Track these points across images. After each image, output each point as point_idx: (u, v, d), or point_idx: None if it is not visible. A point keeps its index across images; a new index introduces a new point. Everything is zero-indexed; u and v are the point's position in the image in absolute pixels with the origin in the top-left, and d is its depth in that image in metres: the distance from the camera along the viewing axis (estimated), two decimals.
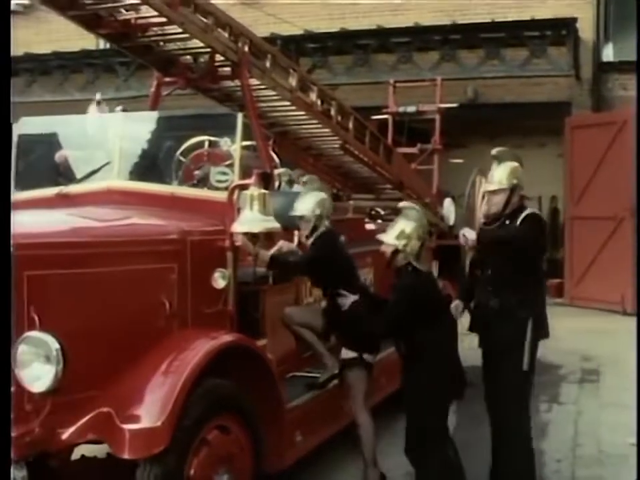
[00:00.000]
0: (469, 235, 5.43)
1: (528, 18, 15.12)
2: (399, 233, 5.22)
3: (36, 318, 3.87)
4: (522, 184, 5.44)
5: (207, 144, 5.91)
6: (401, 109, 11.11)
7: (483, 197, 9.67)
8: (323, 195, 5.87)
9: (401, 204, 5.57)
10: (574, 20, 14.63)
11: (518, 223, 5.32)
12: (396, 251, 5.17)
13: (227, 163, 5.47)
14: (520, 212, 5.38)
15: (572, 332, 11.78)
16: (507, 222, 5.38)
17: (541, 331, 5.58)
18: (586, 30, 15.31)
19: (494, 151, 5.60)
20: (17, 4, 18.78)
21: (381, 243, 5.32)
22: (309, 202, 5.74)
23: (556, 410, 7.92)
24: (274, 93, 7.27)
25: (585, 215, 14.49)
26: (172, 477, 4.00)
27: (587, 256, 14.36)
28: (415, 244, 5.20)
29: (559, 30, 14.74)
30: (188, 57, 7.07)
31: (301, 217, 5.69)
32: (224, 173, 5.37)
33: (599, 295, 13.76)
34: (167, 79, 7.12)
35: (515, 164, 5.48)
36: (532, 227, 5.31)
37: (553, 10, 15.13)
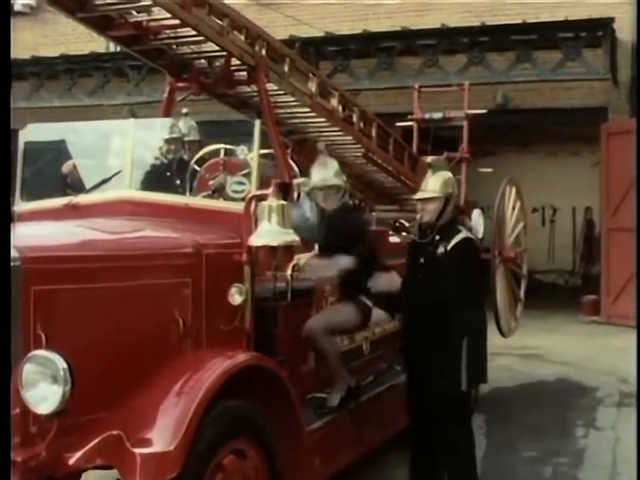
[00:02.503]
0: None
1: (561, 18, 15.08)
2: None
3: (43, 336, 3.87)
4: (456, 194, 5.82)
5: (222, 152, 5.93)
6: (427, 116, 11.08)
7: (514, 208, 9.70)
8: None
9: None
10: (611, 20, 14.57)
11: (449, 247, 5.49)
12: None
13: (244, 172, 5.47)
14: (452, 232, 5.58)
15: (609, 352, 11.74)
16: (437, 237, 5.59)
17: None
18: (624, 30, 15.23)
19: (429, 159, 5.90)
20: (22, 4, 18.94)
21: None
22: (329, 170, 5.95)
23: (593, 435, 7.88)
24: (292, 98, 7.29)
25: (623, 226, 14.40)
26: None
27: (625, 271, 14.27)
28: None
29: (595, 31, 14.67)
30: (202, 60, 7.10)
31: (322, 187, 5.84)
32: (241, 183, 5.38)
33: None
34: (180, 84, 7.14)
35: (449, 174, 5.84)
36: (461, 269, 5.49)
37: (588, 9, 15.06)
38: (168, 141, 5.99)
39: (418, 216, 5.87)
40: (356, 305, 5.93)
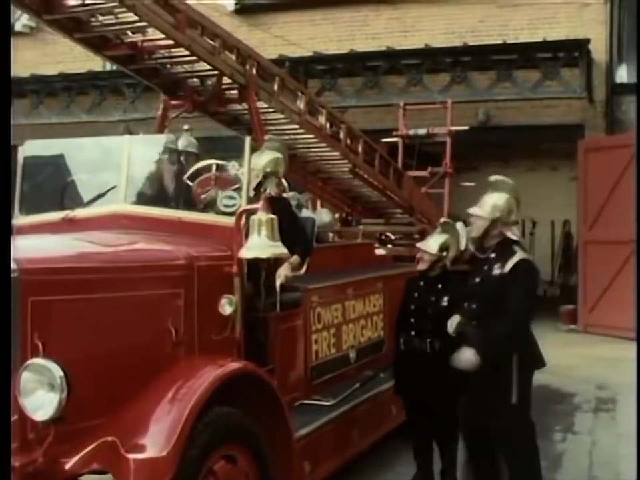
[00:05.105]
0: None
1: (540, 39, 15.15)
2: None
3: (40, 345, 3.86)
4: (507, 218, 5.49)
5: (214, 168, 5.93)
6: (412, 132, 11.13)
7: None
8: (279, 154, 5.95)
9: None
10: (587, 41, 14.66)
11: (507, 269, 5.28)
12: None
13: (235, 187, 5.48)
14: (509, 252, 5.36)
15: (586, 360, 11.75)
16: (493, 255, 5.40)
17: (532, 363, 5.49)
18: (599, 51, 15.34)
19: (491, 178, 5.68)
20: (23, 25, 18.96)
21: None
22: (263, 158, 5.84)
23: (570, 440, 7.87)
24: (282, 116, 7.30)
25: (599, 239, 14.46)
26: None
27: (601, 282, 14.31)
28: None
29: (572, 51, 14.76)
30: (195, 79, 7.11)
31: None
32: (231, 197, 5.38)
33: (613, 321, 13.70)
34: (174, 102, 7.15)
35: (505, 197, 5.54)
36: (524, 286, 5.30)
37: (565, 31, 15.18)
38: (164, 155, 5.95)
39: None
40: None
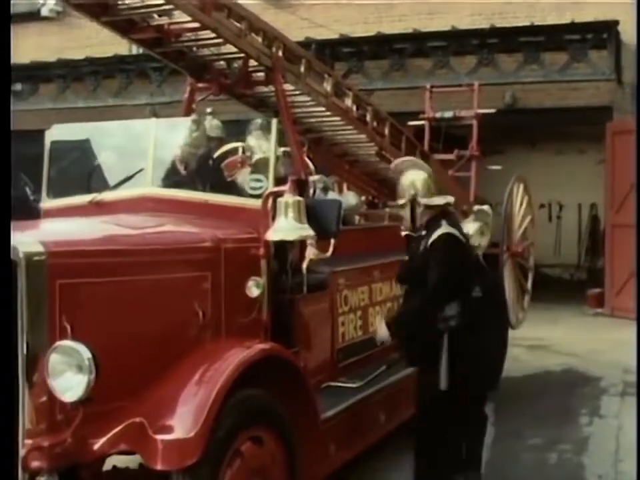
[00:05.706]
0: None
1: (568, 21, 15.00)
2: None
3: (68, 327, 3.89)
4: (424, 192, 5.30)
5: (241, 150, 5.93)
6: (438, 115, 11.04)
7: (521, 204, 9.67)
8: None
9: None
10: (616, 23, 14.48)
11: (428, 244, 5.14)
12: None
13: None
14: (435, 227, 5.19)
15: (613, 343, 11.67)
16: (424, 232, 5.25)
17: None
18: (628, 33, 15.12)
19: (392, 165, 5.67)
20: (49, 10, 19.05)
21: None
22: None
23: (597, 423, 7.84)
24: (309, 98, 7.26)
25: (626, 222, 14.30)
26: None
27: (628, 265, 14.17)
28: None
29: (600, 33, 14.59)
30: (221, 62, 7.08)
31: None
32: (258, 180, 5.38)
33: None
34: (201, 85, 7.13)
35: (416, 174, 5.38)
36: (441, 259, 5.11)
37: (593, 12, 14.99)
38: (190, 139, 5.95)
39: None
40: None
